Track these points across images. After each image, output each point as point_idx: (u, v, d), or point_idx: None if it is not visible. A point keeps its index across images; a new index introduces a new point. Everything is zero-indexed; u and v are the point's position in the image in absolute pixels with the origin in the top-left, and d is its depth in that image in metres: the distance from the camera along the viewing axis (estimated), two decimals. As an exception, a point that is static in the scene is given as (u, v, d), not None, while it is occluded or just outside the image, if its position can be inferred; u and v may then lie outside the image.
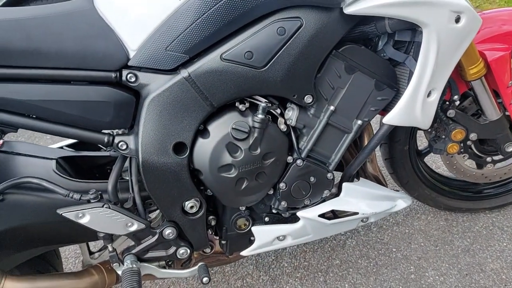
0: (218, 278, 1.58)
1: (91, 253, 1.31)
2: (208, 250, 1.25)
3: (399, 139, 1.48)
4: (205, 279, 1.10)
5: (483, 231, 1.66)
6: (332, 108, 1.08)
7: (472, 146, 1.52)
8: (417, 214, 1.77)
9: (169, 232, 1.08)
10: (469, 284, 1.47)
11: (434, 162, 1.97)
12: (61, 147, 1.30)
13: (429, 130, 1.50)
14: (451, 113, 1.36)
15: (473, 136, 1.41)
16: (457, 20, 1.01)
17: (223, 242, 1.23)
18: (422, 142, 1.88)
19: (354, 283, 1.51)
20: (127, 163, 1.09)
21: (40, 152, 1.19)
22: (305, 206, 1.18)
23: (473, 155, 1.53)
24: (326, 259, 1.61)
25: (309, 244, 1.67)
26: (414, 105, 1.08)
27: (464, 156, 1.52)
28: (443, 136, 1.42)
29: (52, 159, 1.17)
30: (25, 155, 1.15)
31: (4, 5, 2.78)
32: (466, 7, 1.01)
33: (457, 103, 1.36)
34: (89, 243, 1.31)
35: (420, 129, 1.47)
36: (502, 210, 1.73)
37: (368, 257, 1.60)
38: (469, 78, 1.28)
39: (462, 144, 1.44)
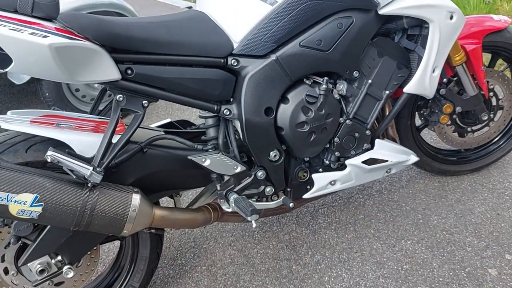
0: (269, 235, 1.96)
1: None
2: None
3: (404, 115, 1.94)
4: (291, 204, 1.49)
5: (468, 187, 2.14)
6: (370, 81, 1.53)
7: (457, 119, 2.01)
8: (416, 179, 2.23)
9: (260, 173, 1.46)
10: (464, 223, 1.92)
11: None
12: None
13: (422, 111, 1.99)
14: (442, 91, 1.85)
15: (458, 108, 1.89)
16: (451, 18, 1.50)
17: (288, 189, 1.62)
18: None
19: (378, 229, 1.93)
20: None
21: (149, 127, 1.56)
22: (351, 156, 1.61)
23: (457, 126, 2.02)
24: (352, 215, 2.03)
25: (336, 205, 2.09)
26: (425, 77, 1.55)
27: (451, 127, 2.01)
28: (437, 111, 1.90)
29: (159, 131, 1.54)
30: (141, 127, 1.51)
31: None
32: (456, 8, 1.50)
33: (445, 85, 1.86)
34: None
35: (419, 105, 1.95)
36: (481, 172, 2.23)
37: (385, 211, 2.03)
38: (454, 63, 1.78)
39: (450, 117, 1.93)
